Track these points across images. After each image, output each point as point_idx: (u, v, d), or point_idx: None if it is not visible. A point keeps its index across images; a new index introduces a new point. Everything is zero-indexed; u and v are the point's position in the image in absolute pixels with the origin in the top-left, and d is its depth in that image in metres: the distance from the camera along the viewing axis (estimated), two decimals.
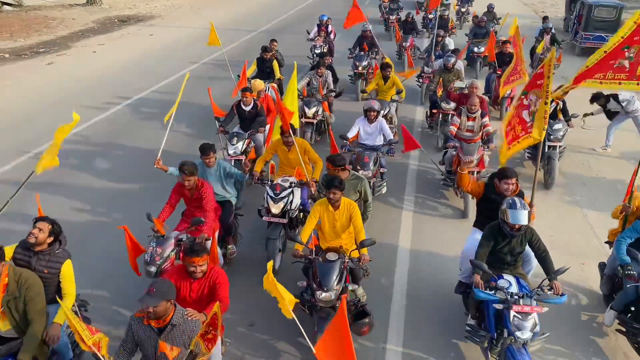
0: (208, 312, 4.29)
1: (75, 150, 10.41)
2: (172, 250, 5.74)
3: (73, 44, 20.30)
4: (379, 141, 8.50)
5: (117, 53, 18.83)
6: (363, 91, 10.60)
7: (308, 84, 10.89)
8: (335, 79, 11.70)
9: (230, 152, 8.36)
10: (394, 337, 5.87)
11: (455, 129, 8.71)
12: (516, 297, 4.78)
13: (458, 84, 9.98)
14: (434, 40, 13.85)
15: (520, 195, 5.67)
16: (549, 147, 9.07)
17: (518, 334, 4.71)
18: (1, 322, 4.49)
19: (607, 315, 5.78)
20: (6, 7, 25.85)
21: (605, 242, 6.63)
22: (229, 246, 6.77)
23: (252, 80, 9.99)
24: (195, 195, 6.22)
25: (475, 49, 14.76)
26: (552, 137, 9.03)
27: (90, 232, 7.68)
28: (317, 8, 26.36)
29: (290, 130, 7.01)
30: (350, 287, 5.48)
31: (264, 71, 11.61)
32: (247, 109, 8.98)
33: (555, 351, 5.68)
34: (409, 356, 5.61)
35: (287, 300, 4.33)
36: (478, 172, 8.41)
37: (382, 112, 9.67)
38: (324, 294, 5.13)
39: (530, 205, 5.57)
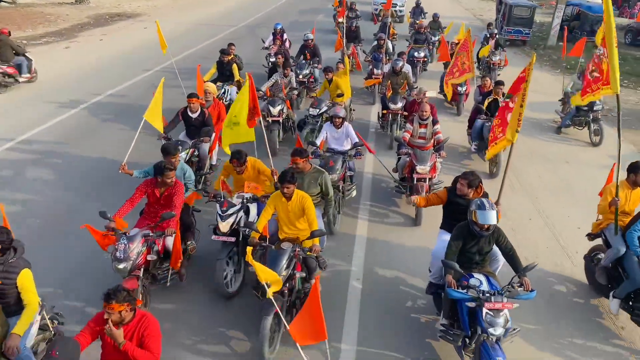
0: None
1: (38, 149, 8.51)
2: (144, 246, 4.73)
3: (78, 34, 18.46)
4: (347, 145, 7.21)
5: (120, 43, 17.07)
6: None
7: (272, 85, 9.14)
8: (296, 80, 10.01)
9: None
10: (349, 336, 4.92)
11: (409, 136, 7.32)
12: (488, 294, 4.16)
13: (430, 93, 8.35)
14: (379, 44, 12.13)
15: (485, 196, 4.93)
16: None
17: (491, 330, 4.12)
18: None
19: (612, 304, 5.20)
20: (2, 4, 22.98)
21: (587, 235, 5.78)
22: (189, 242, 5.48)
23: (205, 84, 8.09)
24: (167, 193, 5.15)
25: (416, 54, 13.00)
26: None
27: (52, 235, 6.24)
28: (274, 16, 23.78)
29: (242, 158, 5.63)
30: (298, 275, 4.73)
31: (224, 74, 9.72)
32: (194, 116, 7.15)
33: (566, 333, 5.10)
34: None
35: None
36: (430, 179, 7.02)
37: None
38: None
39: (497, 204, 4.93)
